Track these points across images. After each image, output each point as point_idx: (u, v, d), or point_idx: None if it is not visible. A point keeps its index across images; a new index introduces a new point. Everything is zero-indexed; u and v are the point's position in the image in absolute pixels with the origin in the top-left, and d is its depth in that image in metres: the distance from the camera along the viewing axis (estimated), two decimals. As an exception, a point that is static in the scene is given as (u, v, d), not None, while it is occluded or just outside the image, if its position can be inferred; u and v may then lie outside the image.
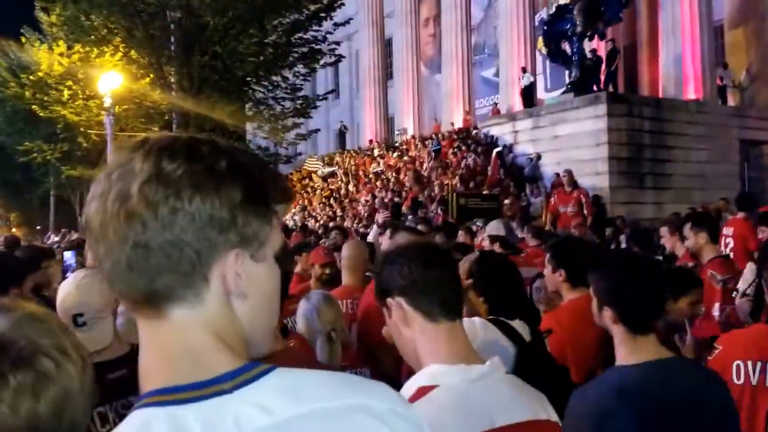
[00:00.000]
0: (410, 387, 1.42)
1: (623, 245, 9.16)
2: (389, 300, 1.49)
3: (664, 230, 5.26)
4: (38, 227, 38.83)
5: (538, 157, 17.76)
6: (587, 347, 2.80)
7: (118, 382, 2.08)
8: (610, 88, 18.49)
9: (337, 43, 15.70)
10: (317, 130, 17.52)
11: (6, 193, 42.05)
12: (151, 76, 14.30)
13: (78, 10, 13.02)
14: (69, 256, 6.15)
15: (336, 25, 15.27)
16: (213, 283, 0.77)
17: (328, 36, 14.84)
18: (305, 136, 15.68)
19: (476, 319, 2.21)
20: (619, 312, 1.95)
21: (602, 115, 16.94)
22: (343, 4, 15.06)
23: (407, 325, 1.47)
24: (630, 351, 1.93)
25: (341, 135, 33.60)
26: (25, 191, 37.57)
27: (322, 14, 14.22)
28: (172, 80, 14.36)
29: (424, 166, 18.96)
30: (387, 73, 33.33)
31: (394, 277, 1.49)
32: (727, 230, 5.86)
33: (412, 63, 30.86)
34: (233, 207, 0.76)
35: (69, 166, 25.60)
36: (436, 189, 16.04)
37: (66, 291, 2.25)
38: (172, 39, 13.78)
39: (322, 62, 15.22)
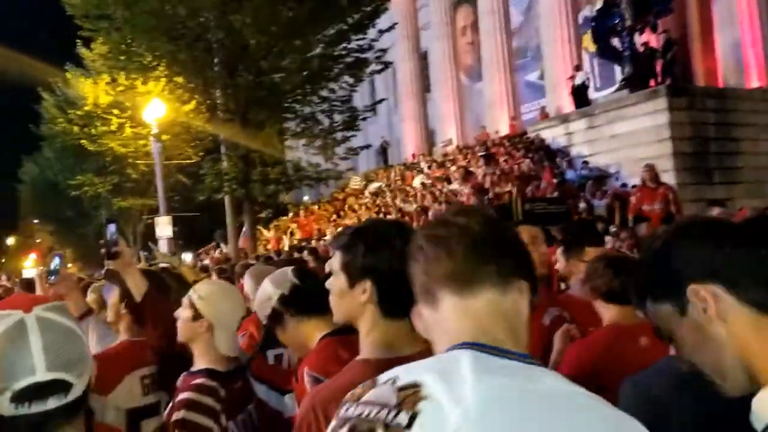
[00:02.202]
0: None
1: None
2: (694, 288, 1.05)
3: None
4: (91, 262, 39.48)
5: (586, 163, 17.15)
6: None
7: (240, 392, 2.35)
8: (668, 81, 17.64)
9: (384, 50, 15.30)
10: (368, 146, 17.12)
11: (60, 228, 43.00)
12: (197, 99, 14.14)
13: (121, 38, 12.93)
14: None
15: (381, 31, 14.92)
16: None
17: (373, 44, 14.47)
18: (356, 151, 15.28)
19: None
20: None
21: (663, 110, 16.11)
22: (386, 9, 14.70)
23: (723, 322, 1.04)
24: None
25: (383, 151, 33.26)
26: (78, 226, 38.29)
27: (366, 21, 13.86)
28: (218, 102, 14.17)
29: (477, 171, 18.33)
30: (425, 85, 32.96)
31: (708, 257, 1.06)
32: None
33: (451, 74, 30.43)
34: None
35: (120, 198, 25.91)
36: (491, 195, 15.41)
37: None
38: (216, 60, 13.60)
39: (369, 71, 14.81)
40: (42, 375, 1.16)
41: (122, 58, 13.67)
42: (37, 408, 1.16)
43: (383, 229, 1.60)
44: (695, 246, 1.07)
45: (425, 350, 1.62)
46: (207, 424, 2.23)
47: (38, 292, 5.76)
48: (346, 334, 2.08)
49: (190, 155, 22.70)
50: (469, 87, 31.38)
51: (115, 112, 18.32)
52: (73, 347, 1.23)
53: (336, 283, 1.62)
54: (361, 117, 14.79)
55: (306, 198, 31.03)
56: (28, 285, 7.68)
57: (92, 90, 20.40)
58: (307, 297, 2.21)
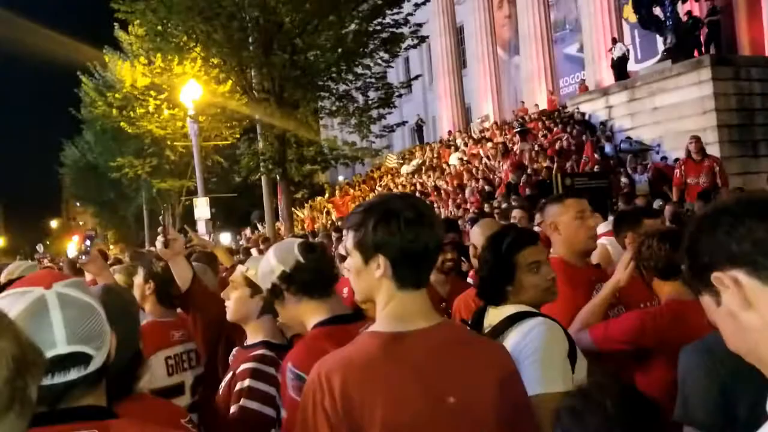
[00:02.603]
0: None
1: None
2: (717, 276, 0.97)
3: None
4: (133, 243, 40.32)
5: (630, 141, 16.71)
6: None
7: None
8: (712, 50, 17.02)
9: (420, 25, 15.05)
10: (404, 122, 16.92)
11: (101, 211, 43.95)
12: (232, 79, 14.16)
13: (157, 19, 12.98)
14: None
15: (417, 5, 14.67)
16: None
17: (408, 18, 14.24)
18: (392, 128, 15.12)
19: None
20: None
21: (707, 80, 15.58)
22: (422, -20, 14.45)
23: (751, 308, 0.95)
24: None
25: (419, 129, 32.95)
26: (119, 209, 39.07)
27: None
28: (253, 82, 14.15)
29: (514, 148, 18.04)
30: (460, 61, 32.46)
31: (724, 242, 0.97)
32: None
33: (488, 48, 29.88)
34: None
35: (159, 180, 26.33)
36: (529, 171, 15.14)
37: None
38: (250, 39, 13.55)
39: (404, 46, 14.59)
40: (63, 348, 1.22)
41: (158, 39, 13.71)
42: (59, 379, 1.22)
43: (392, 203, 1.59)
44: (715, 229, 0.99)
45: (443, 323, 1.62)
46: (271, 392, 2.27)
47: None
48: (343, 324, 2.07)
49: (226, 136, 22.94)
50: (506, 61, 30.81)
51: (153, 93, 18.50)
52: (92, 321, 1.28)
53: (352, 262, 1.62)
54: (396, 94, 14.60)
55: (341, 178, 31.02)
56: (74, 265, 7.87)
57: (129, 73, 20.69)
58: (308, 276, 2.12)
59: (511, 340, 2.03)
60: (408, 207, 1.55)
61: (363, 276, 1.60)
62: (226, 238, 22.66)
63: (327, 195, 27.41)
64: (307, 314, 2.12)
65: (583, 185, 10.68)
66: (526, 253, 2.20)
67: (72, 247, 43.13)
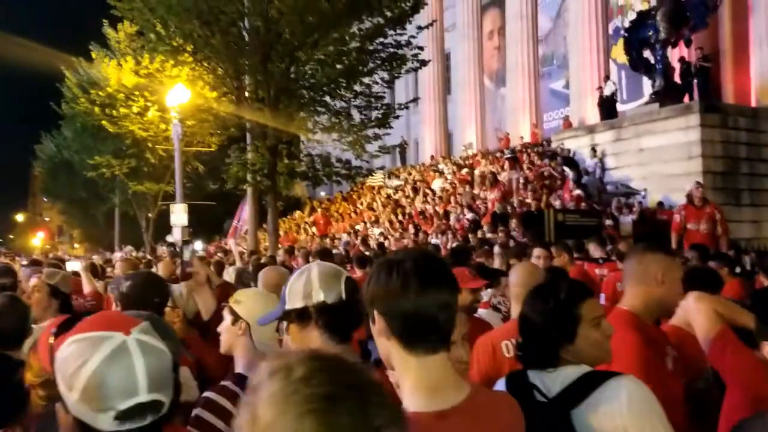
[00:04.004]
0: None
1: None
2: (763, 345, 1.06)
3: None
4: (101, 244, 39.42)
5: (596, 152, 16.97)
6: None
7: None
8: (700, 98, 17.34)
9: (421, 48, 15.04)
10: (404, 143, 16.89)
11: (71, 209, 42.95)
12: (226, 87, 13.94)
13: (155, 17, 12.72)
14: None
15: (420, 28, 14.62)
16: None
17: (412, 40, 14.22)
18: (388, 149, 15.04)
19: None
20: None
21: (695, 126, 15.82)
22: (425, 4, 14.47)
23: None
24: None
25: (402, 151, 33.05)
26: (91, 208, 38.23)
27: (404, 17, 13.62)
28: (248, 90, 13.95)
29: (502, 175, 18.07)
30: (446, 88, 32.70)
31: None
32: None
33: (474, 77, 30.18)
34: None
35: (136, 182, 25.80)
36: (516, 203, 15.16)
37: None
38: (249, 47, 13.36)
39: (405, 68, 14.57)
40: (144, 396, 1.26)
41: (152, 38, 13.42)
42: (135, 425, 1.26)
43: (398, 255, 1.55)
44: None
45: (474, 392, 1.52)
46: (218, 425, 2.16)
47: (85, 283, 5.65)
48: None
49: (209, 143, 22.60)
50: (492, 91, 31.11)
51: (146, 94, 18.14)
52: (166, 368, 1.33)
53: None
54: (394, 115, 14.53)
55: (323, 194, 30.81)
56: (35, 264, 7.56)
57: (116, 72, 20.29)
58: (342, 318, 1.94)
59: (601, 407, 1.79)
60: (412, 259, 1.47)
61: (375, 334, 1.51)
62: (198, 245, 22.24)
63: (307, 210, 27.14)
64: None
65: (574, 222, 10.68)
66: (588, 305, 1.98)
67: (37, 243, 41.98)
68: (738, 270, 7.26)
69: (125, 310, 2.89)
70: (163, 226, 22.49)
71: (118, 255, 18.55)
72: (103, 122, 21.34)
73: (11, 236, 73.88)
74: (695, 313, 2.30)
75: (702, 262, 5.25)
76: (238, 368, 2.41)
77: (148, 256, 12.81)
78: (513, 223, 13.86)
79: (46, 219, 74.83)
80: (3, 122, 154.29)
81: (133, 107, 19.23)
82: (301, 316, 1.96)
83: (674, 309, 2.60)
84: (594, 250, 7.69)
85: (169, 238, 20.03)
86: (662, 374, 2.19)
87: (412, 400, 1.44)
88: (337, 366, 0.90)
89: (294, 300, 1.97)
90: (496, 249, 8.05)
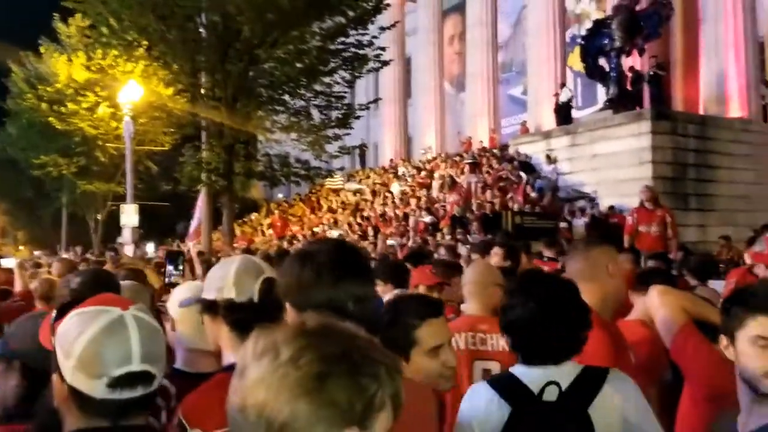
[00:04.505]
0: None
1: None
2: None
3: None
4: (50, 245, 38.09)
5: (550, 158, 17.26)
6: None
7: None
8: (652, 105, 17.78)
9: (383, 49, 15.01)
10: (363, 145, 16.83)
11: (16, 209, 41.47)
12: (181, 84, 13.60)
13: (108, 11, 12.32)
14: None
15: (382, 29, 14.58)
16: None
17: (374, 41, 14.17)
18: (348, 149, 14.92)
19: None
20: None
21: (646, 133, 16.21)
22: (388, 5, 14.46)
23: None
24: None
25: (362, 153, 33.00)
26: (37, 208, 36.96)
27: (367, 17, 13.55)
28: (205, 88, 13.63)
29: (461, 178, 18.15)
30: (407, 91, 32.80)
31: None
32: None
33: (435, 81, 30.31)
34: None
35: (85, 181, 25.02)
36: (475, 206, 15.23)
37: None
38: (206, 44, 13.07)
39: (367, 68, 14.48)
40: (137, 365, 1.31)
41: (105, 32, 13.00)
42: (127, 394, 1.30)
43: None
44: None
45: None
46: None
47: (17, 281, 5.40)
48: None
49: (162, 142, 22.08)
50: (452, 96, 31.31)
51: (97, 90, 17.59)
52: (159, 344, 1.39)
53: None
54: (355, 115, 14.43)
55: (280, 195, 30.49)
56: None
57: (66, 67, 19.64)
58: (252, 317, 1.75)
59: (617, 401, 1.82)
60: (326, 251, 1.53)
61: None
62: (150, 248, 21.69)
63: (264, 212, 26.78)
64: (227, 348, 1.83)
65: (532, 224, 10.80)
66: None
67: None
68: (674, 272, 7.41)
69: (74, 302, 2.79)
70: (114, 227, 21.86)
71: (64, 256, 17.94)
72: (51, 119, 20.62)
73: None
74: (659, 307, 2.27)
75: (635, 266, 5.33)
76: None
77: (91, 257, 12.36)
78: (474, 225, 13.91)
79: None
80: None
81: (83, 104, 18.63)
82: (210, 308, 1.88)
83: (624, 301, 2.61)
84: (544, 251, 7.79)
85: (120, 240, 19.49)
86: (630, 369, 2.16)
87: None
88: (324, 339, 0.89)
89: (209, 290, 1.90)
90: (463, 249, 8.08)
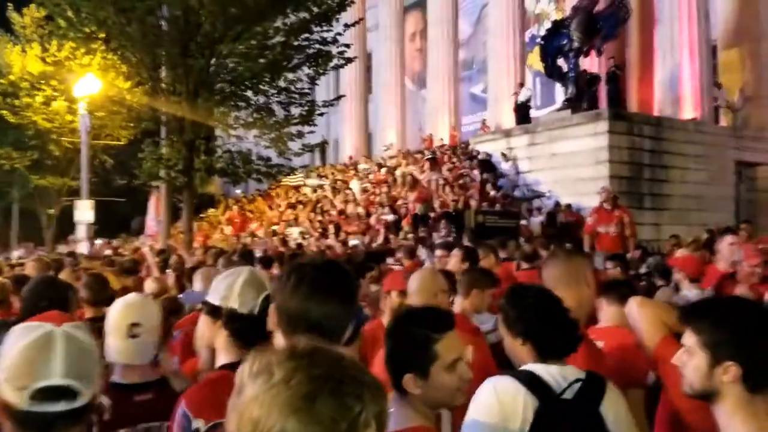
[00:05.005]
0: None
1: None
2: None
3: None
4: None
5: (506, 157, 17.54)
6: None
7: (142, 406, 2.27)
8: (603, 105, 18.17)
9: (348, 46, 14.96)
10: (325, 142, 16.73)
11: (-37, 205, 39.96)
12: (141, 78, 13.33)
13: (66, 2, 11.97)
14: None
15: (347, 26, 14.52)
16: None
17: (338, 38, 14.11)
18: (312, 147, 14.85)
19: None
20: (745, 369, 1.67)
21: (603, 133, 16.57)
22: (353, 2, 14.41)
23: None
24: (752, 415, 1.67)
25: (322, 150, 32.84)
26: (-15, 203, 35.70)
27: (331, 14, 13.49)
28: (165, 83, 13.38)
29: (423, 176, 18.24)
30: (368, 87, 32.77)
31: None
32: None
33: (396, 78, 30.36)
34: None
35: (38, 176, 24.30)
36: (437, 204, 15.33)
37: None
38: (167, 38, 12.83)
39: (331, 65, 14.43)
40: (57, 380, 1.35)
41: (62, 24, 12.65)
42: (48, 408, 1.34)
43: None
44: None
45: None
46: None
47: None
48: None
49: (119, 136, 21.60)
50: (413, 93, 31.42)
51: (53, 83, 17.08)
52: (88, 363, 1.42)
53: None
54: (318, 112, 14.36)
55: (239, 191, 30.11)
56: None
57: (20, 58, 19.03)
58: (250, 328, 1.95)
59: (622, 409, 2.02)
60: (314, 267, 1.69)
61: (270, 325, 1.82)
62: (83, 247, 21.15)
63: (222, 208, 26.45)
64: (222, 350, 1.99)
65: (494, 223, 10.93)
66: None
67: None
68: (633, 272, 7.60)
69: (24, 312, 3.00)
70: (68, 223, 21.30)
71: (15, 254, 17.41)
72: (3, 112, 19.97)
73: None
74: (639, 320, 2.34)
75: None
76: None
77: (51, 255, 12.02)
78: (440, 223, 13.95)
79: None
80: None
81: (37, 97, 18.09)
82: (213, 312, 2.04)
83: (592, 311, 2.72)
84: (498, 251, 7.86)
85: (72, 237, 18.98)
86: (605, 374, 2.26)
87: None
88: (313, 362, 0.97)
89: (214, 296, 2.05)
90: (423, 251, 8.15)
